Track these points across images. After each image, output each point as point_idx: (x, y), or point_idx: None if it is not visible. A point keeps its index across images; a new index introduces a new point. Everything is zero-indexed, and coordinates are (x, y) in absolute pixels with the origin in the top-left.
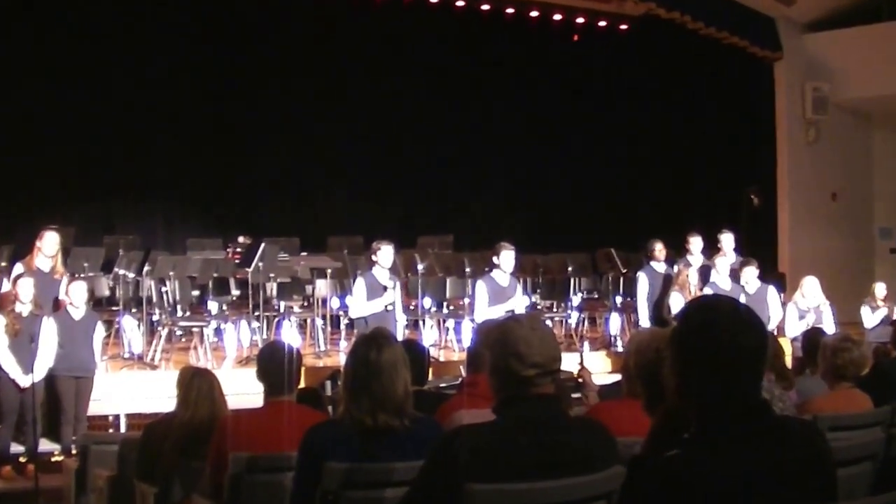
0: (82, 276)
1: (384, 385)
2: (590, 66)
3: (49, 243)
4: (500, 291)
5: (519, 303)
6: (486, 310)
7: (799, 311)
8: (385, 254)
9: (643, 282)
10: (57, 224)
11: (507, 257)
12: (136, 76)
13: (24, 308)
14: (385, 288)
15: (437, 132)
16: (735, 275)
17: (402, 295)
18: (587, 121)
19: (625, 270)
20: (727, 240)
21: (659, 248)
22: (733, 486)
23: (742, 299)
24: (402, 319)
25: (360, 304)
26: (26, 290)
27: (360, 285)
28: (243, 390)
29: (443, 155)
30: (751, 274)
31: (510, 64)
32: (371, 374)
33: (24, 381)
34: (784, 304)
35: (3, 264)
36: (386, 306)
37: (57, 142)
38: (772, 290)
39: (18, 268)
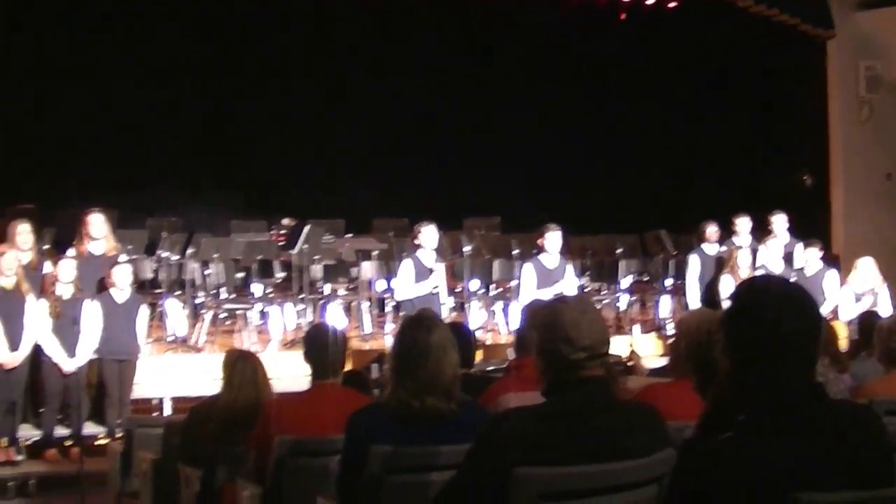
0: (125, 258)
1: (432, 367)
2: (638, 44)
3: (96, 225)
4: (547, 274)
5: (568, 285)
6: (533, 293)
7: (854, 294)
8: (429, 235)
9: (694, 264)
10: (100, 206)
11: (553, 239)
12: (179, 60)
13: (65, 290)
14: (431, 270)
15: (483, 111)
16: (788, 257)
17: (448, 277)
18: (635, 100)
19: (675, 252)
20: (779, 221)
21: (711, 230)
22: (785, 470)
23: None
24: (447, 302)
25: (406, 286)
26: (66, 272)
27: (405, 268)
28: (288, 373)
29: (489, 135)
30: (813, 255)
31: (557, 40)
32: (419, 356)
33: (68, 364)
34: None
35: (46, 247)
36: (434, 288)
37: (99, 125)
38: (831, 273)
39: (70, 253)
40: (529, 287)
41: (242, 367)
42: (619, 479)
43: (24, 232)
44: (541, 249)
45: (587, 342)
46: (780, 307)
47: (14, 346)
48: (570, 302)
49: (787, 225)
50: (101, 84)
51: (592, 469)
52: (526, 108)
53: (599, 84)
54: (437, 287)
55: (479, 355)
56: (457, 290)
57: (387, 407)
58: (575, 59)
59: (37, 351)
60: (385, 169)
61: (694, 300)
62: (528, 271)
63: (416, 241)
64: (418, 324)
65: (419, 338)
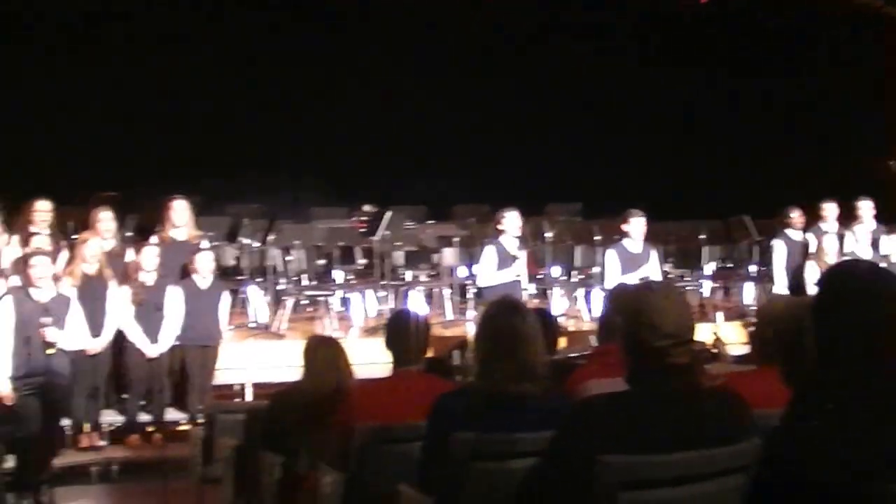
0: (207, 245)
1: (526, 353)
2: (717, 26)
3: (178, 212)
4: (631, 259)
5: (651, 270)
6: (617, 278)
7: None
8: (512, 221)
9: (779, 249)
10: (182, 193)
11: (637, 225)
12: (262, 45)
13: (148, 277)
14: (514, 257)
15: (565, 97)
16: (875, 244)
17: (530, 263)
18: (717, 84)
19: (760, 238)
20: (866, 207)
21: (796, 215)
22: (876, 460)
23: None
24: (529, 289)
25: (488, 273)
26: (150, 259)
27: (488, 254)
28: (369, 360)
29: (570, 121)
30: None
31: (634, 26)
32: (514, 342)
33: (152, 350)
34: None
35: (129, 234)
36: (517, 276)
37: (179, 111)
38: None
39: (153, 240)
40: (613, 272)
41: (324, 353)
42: (704, 467)
43: (106, 219)
44: (624, 235)
45: (673, 329)
46: (869, 294)
47: (96, 332)
48: (655, 288)
49: (873, 211)
50: (183, 72)
51: (677, 457)
52: (608, 92)
53: (683, 66)
54: (519, 274)
55: (561, 342)
56: (538, 277)
57: (475, 393)
58: (656, 40)
59: (120, 337)
60: (466, 155)
61: (780, 286)
62: (611, 257)
63: (499, 227)
64: (512, 310)
65: (514, 324)
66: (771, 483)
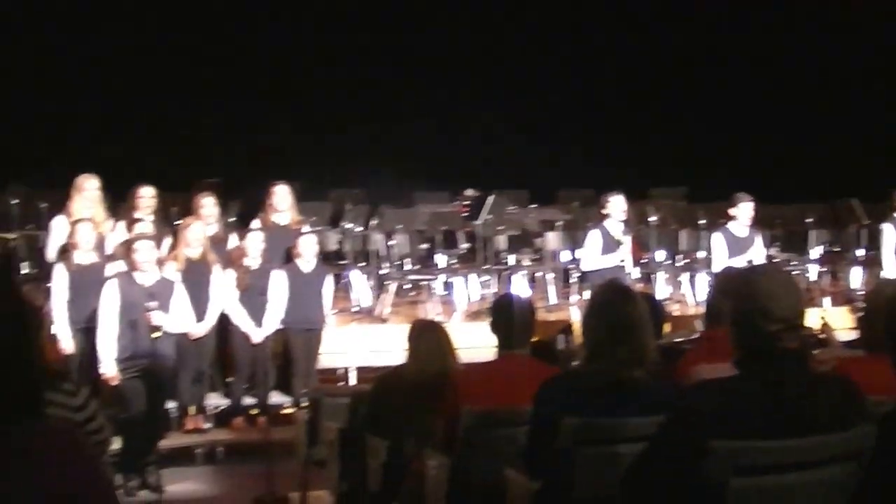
0: (310, 230)
1: (640, 338)
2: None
3: (281, 197)
4: (737, 243)
5: (758, 254)
6: (724, 262)
7: None
8: (616, 205)
9: (889, 233)
10: (284, 179)
11: (744, 209)
12: (366, 33)
13: (252, 262)
14: (619, 242)
15: (671, 80)
16: None
17: (634, 248)
18: (820, 64)
19: (868, 222)
20: None
21: None
22: None
23: None
24: (633, 273)
25: (593, 257)
26: (254, 243)
27: (592, 238)
28: (473, 344)
29: (675, 104)
30: None
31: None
32: (627, 327)
33: (256, 334)
34: None
35: (232, 220)
36: (622, 260)
37: (281, 99)
38: None
39: (255, 224)
40: (720, 257)
41: (428, 337)
42: (817, 454)
43: (208, 205)
44: (729, 219)
45: (784, 313)
46: None
47: (200, 316)
48: (765, 272)
49: None
50: (285, 58)
51: (789, 443)
52: (712, 74)
53: (780, 49)
54: (623, 259)
55: (666, 327)
56: (643, 261)
57: (582, 377)
58: (764, 20)
59: (225, 321)
60: (570, 138)
61: (889, 271)
62: (718, 241)
63: (604, 212)
64: (623, 295)
65: (627, 310)
66: (884, 470)
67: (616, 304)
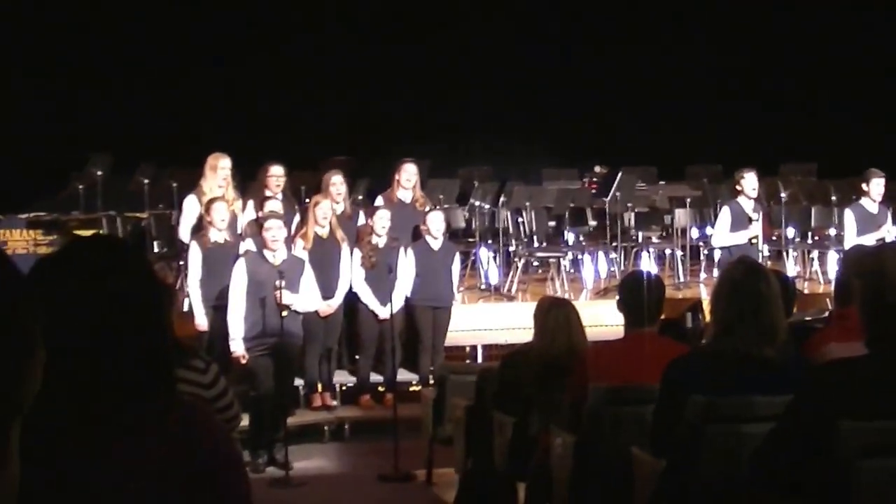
0: (438, 207)
1: (771, 315)
2: None
3: (407, 174)
4: (869, 220)
5: (889, 231)
6: (855, 239)
7: None
8: (750, 182)
9: None
10: (413, 157)
11: (876, 185)
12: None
13: (380, 240)
14: (750, 218)
15: (799, 55)
16: None
17: (765, 225)
18: None
19: None
20: None
21: None
22: None
23: None
24: (763, 250)
25: (722, 234)
26: (382, 221)
27: (724, 214)
28: (601, 321)
29: (804, 79)
30: None
31: None
32: (759, 304)
33: (383, 312)
34: None
35: (361, 198)
36: (750, 239)
37: (413, 78)
38: None
39: (379, 201)
40: (851, 232)
41: (556, 314)
42: None
43: (337, 182)
44: (862, 195)
45: None
46: None
47: (329, 294)
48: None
49: None
50: (415, 38)
51: None
52: (845, 50)
53: None
54: (756, 238)
55: (796, 305)
56: (773, 238)
57: (711, 355)
58: None
59: (353, 298)
60: (698, 114)
61: None
62: (849, 217)
63: (738, 188)
64: (755, 272)
65: (758, 286)
66: None
67: (747, 281)
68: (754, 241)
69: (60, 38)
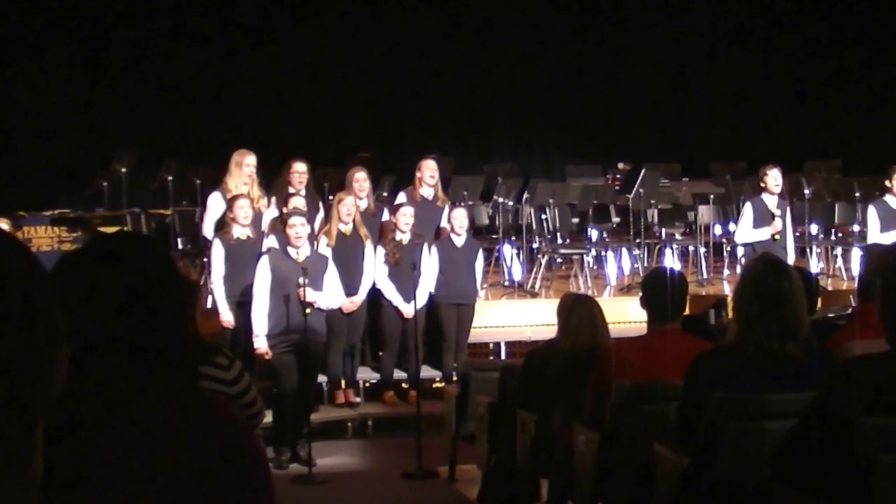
0: (462, 204)
1: (793, 312)
2: None
3: (430, 171)
4: (892, 216)
5: None
6: (878, 236)
7: None
8: (773, 178)
9: None
10: (436, 154)
11: None
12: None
13: (404, 237)
14: (773, 215)
15: (823, 51)
16: None
17: (790, 221)
18: None
19: None
20: None
21: None
22: None
23: None
24: (790, 247)
25: (745, 230)
26: (406, 218)
27: (747, 211)
28: (625, 318)
29: (828, 74)
30: None
31: None
32: (781, 301)
33: (408, 309)
34: None
35: (385, 195)
36: (773, 236)
37: (435, 73)
38: None
39: (401, 197)
40: (874, 229)
41: (580, 310)
42: None
43: (360, 179)
44: (886, 191)
45: None
46: None
47: (352, 290)
48: None
49: None
50: (438, 34)
51: None
52: (867, 48)
53: None
54: (777, 233)
55: (819, 301)
56: (797, 235)
57: (734, 352)
58: None
59: (377, 295)
60: (723, 110)
61: None
62: (872, 213)
63: (761, 184)
64: (776, 268)
65: (779, 283)
66: None
67: (768, 277)
68: (777, 237)
69: (85, 36)
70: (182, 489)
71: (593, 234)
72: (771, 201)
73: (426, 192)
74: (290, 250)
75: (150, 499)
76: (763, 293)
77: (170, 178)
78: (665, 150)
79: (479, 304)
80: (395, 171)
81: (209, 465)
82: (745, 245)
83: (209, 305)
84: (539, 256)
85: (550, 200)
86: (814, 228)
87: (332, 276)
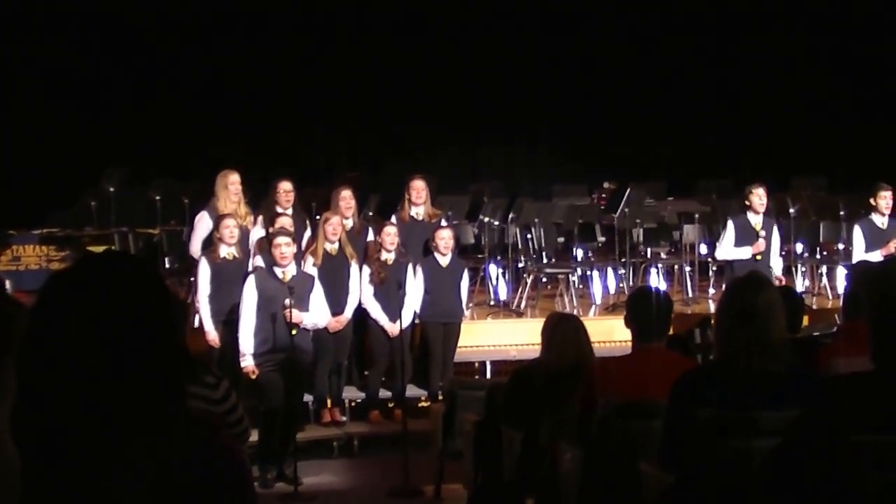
0: (448, 223)
1: (760, 328)
2: None
3: (417, 191)
4: (878, 235)
5: None
6: (863, 255)
7: None
8: (758, 197)
9: None
10: (422, 173)
11: (885, 199)
12: (494, 23)
13: (389, 256)
14: (758, 235)
15: (807, 69)
16: None
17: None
18: None
19: None
20: None
21: None
22: None
23: None
24: (775, 266)
25: (726, 247)
26: (391, 238)
27: (729, 228)
28: (610, 337)
29: (814, 92)
30: None
31: None
32: (747, 317)
33: (393, 328)
34: None
35: (371, 214)
36: (754, 255)
37: (417, 90)
38: None
39: (392, 220)
40: (859, 248)
41: (564, 329)
42: None
43: (346, 198)
44: (871, 209)
45: None
46: None
47: (338, 309)
48: None
49: None
50: (423, 55)
51: None
52: (853, 62)
53: None
54: (760, 253)
55: (805, 319)
56: (782, 254)
57: (715, 370)
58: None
59: (363, 314)
60: (707, 129)
61: None
62: (858, 232)
63: (747, 203)
64: (746, 284)
65: (747, 298)
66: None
67: (741, 292)
68: (759, 257)
69: (74, 54)
70: None
71: (579, 253)
72: (755, 220)
73: (415, 211)
74: (277, 270)
75: None
76: (736, 311)
77: (157, 196)
78: (650, 169)
79: (465, 323)
80: (382, 189)
81: (196, 485)
82: (725, 262)
83: (196, 324)
84: (525, 276)
85: (536, 220)
86: (799, 247)
87: (318, 295)
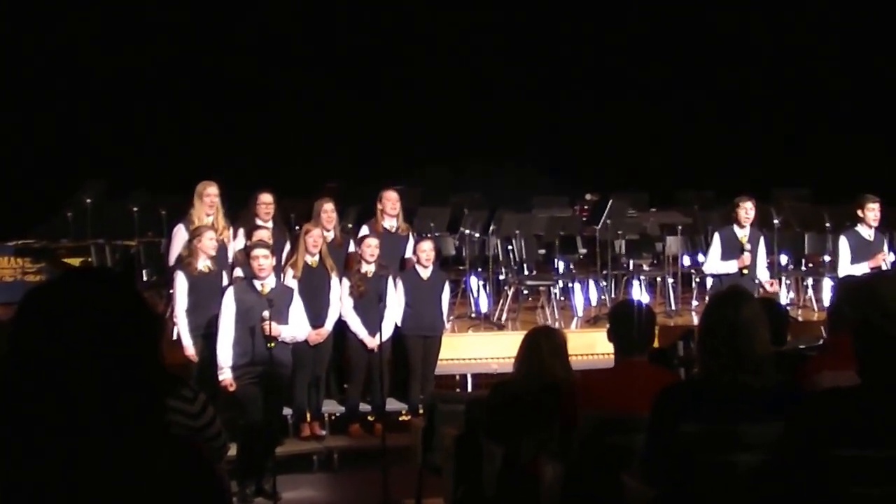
0: (428, 235)
1: (742, 342)
2: None
3: (391, 203)
4: (864, 247)
5: (886, 259)
6: (849, 267)
7: None
8: (745, 210)
9: None
10: (402, 185)
11: (872, 210)
12: (478, 38)
13: (369, 268)
14: (743, 249)
15: (792, 79)
16: None
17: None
18: None
19: None
20: None
21: None
22: None
23: None
24: (761, 279)
25: (713, 261)
26: (371, 250)
27: (716, 241)
28: (592, 350)
29: (799, 100)
30: None
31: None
32: (729, 331)
33: (372, 342)
34: None
35: (350, 226)
36: (741, 269)
37: (402, 103)
38: None
39: (364, 230)
40: (845, 260)
41: (545, 343)
42: None
43: (328, 210)
44: (857, 221)
45: None
46: None
47: (318, 322)
48: (889, 276)
49: None
50: (406, 66)
51: None
52: (838, 72)
53: None
54: (746, 266)
55: (789, 333)
56: (768, 265)
57: (698, 384)
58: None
59: (342, 327)
60: (689, 140)
61: None
62: (843, 244)
63: (733, 215)
64: (727, 299)
65: (728, 313)
66: None
67: (722, 307)
68: (746, 271)
69: (52, 64)
70: None
71: (560, 265)
72: (741, 233)
73: (388, 223)
74: (256, 282)
75: None
76: (714, 323)
77: (135, 208)
78: (632, 179)
79: (446, 336)
80: (362, 200)
81: (173, 500)
82: (713, 276)
83: (175, 337)
84: (506, 288)
85: (517, 231)
86: (783, 259)
87: (297, 307)
